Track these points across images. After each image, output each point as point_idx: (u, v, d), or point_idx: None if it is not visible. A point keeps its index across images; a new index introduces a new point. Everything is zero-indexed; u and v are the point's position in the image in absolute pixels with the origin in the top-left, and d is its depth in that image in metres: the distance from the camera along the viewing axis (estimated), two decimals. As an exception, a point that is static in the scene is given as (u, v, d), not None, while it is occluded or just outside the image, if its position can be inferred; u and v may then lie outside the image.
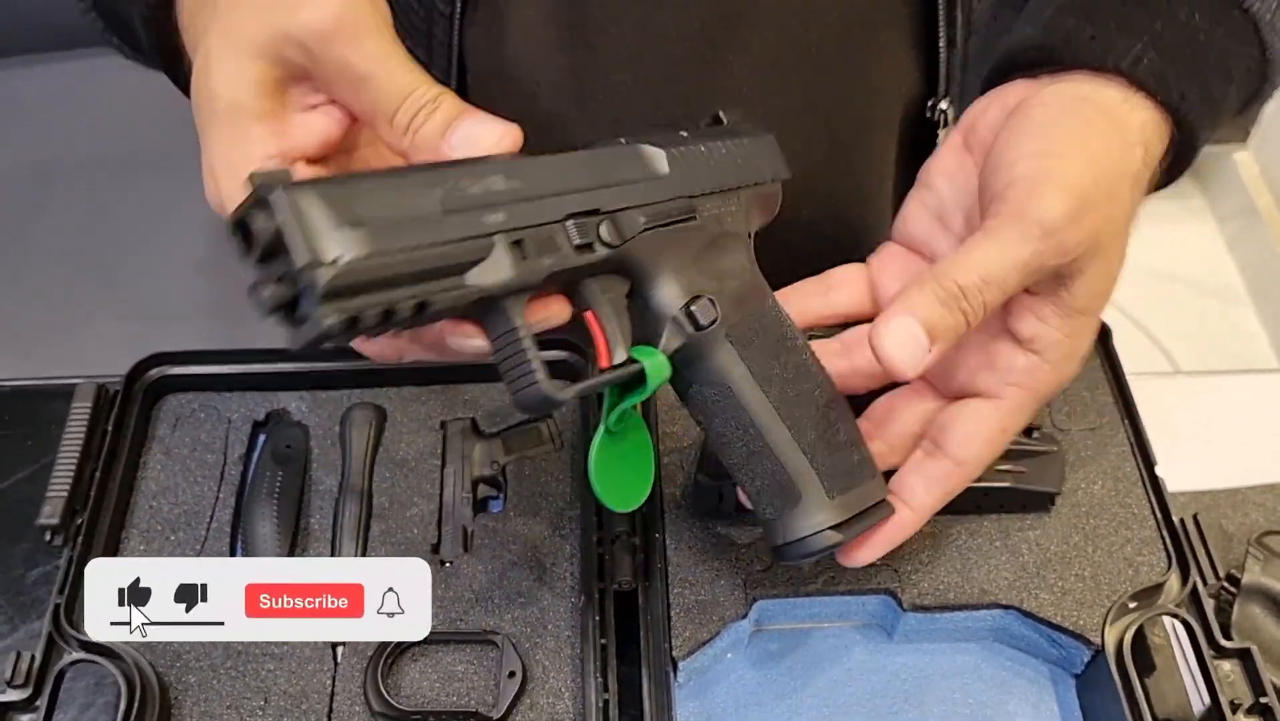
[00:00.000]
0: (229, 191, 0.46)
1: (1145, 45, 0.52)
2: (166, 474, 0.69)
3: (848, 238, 0.78)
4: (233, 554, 0.66)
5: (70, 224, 1.21)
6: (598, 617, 0.61)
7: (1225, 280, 2.15)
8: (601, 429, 0.50)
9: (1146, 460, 0.65)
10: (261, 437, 0.71)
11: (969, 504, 0.62)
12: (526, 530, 0.66)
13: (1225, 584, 0.70)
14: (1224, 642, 0.59)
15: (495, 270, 0.44)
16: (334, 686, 0.61)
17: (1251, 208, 2.10)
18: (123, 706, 0.57)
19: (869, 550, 0.53)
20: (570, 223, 0.46)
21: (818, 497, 0.51)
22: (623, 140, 0.51)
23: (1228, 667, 0.59)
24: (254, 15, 0.46)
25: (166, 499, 0.68)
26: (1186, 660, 0.61)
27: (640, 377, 0.49)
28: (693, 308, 0.50)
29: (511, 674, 0.60)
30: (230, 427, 0.71)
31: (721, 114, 0.56)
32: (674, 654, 0.59)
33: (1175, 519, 0.63)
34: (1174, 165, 0.55)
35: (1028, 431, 0.63)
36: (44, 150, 1.26)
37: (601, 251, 0.47)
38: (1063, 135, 0.50)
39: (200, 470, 0.69)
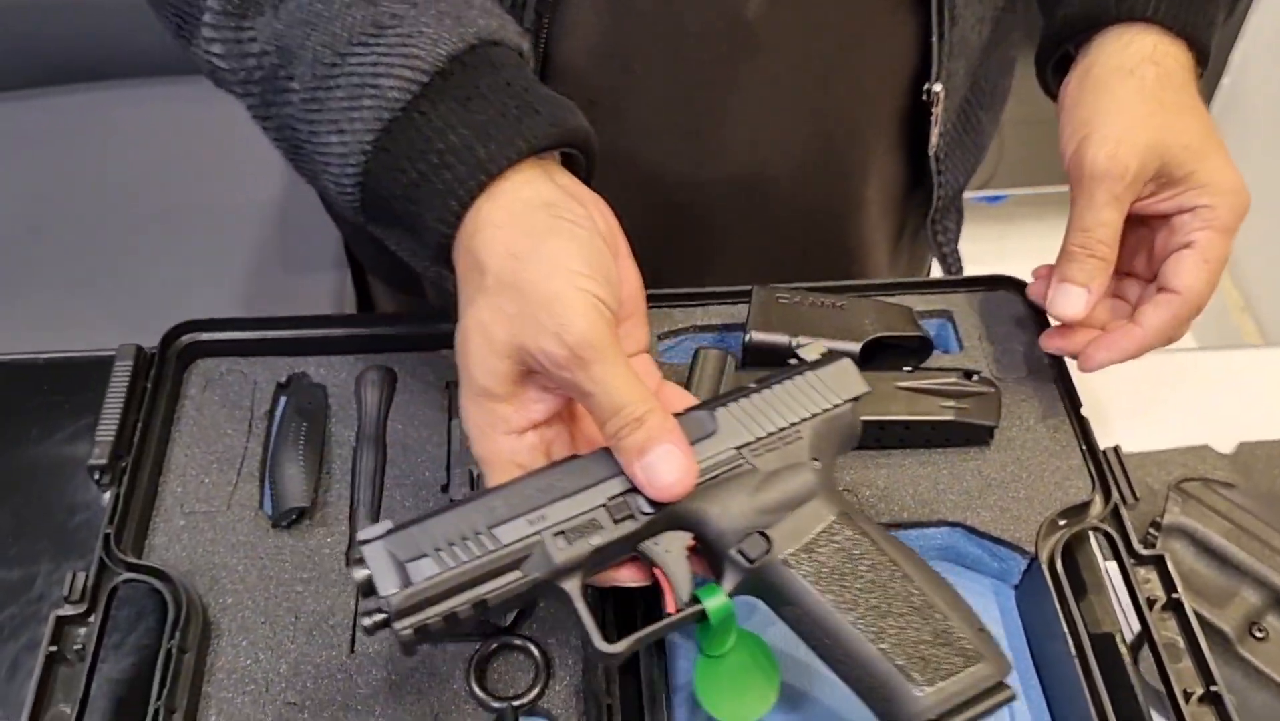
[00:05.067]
0: (480, 450, 0.58)
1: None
2: (199, 426, 0.76)
3: (831, 222, 0.90)
4: (261, 495, 0.73)
5: (101, 221, 1.31)
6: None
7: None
8: (700, 656, 0.58)
9: (1073, 402, 0.74)
10: (283, 399, 0.78)
11: (919, 437, 0.71)
12: (527, 471, 0.74)
13: (1150, 530, 0.79)
14: (1141, 551, 0.68)
15: (544, 561, 0.53)
16: (357, 605, 0.68)
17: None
18: (170, 617, 0.64)
19: (1106, 354, 0.71)
20: (609, 503, 0.55)
21: (905, 694, 0.53)
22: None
23: (1144, 574, 0.68)
24: (506, 323, 0.55)
25: (200, 447, 0.75)
26: (1112, 570, 0.69)
27: (703, 615, 0.55)
28: (742, 546, 0.55)
29: (517, 590, 0.68)
30: (255, 388, 0.78)
31: (799, 353, 0.62)
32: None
33: (1100, 450, 0.72)
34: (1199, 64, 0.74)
35: (968, 375, 0.72)
36: (84, 168, 1.36)
37: (643, 518, 0.55)
38: (1093, 101, 0.70)
39: (230, 424, 0.76)
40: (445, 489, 0.73)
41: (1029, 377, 0.75)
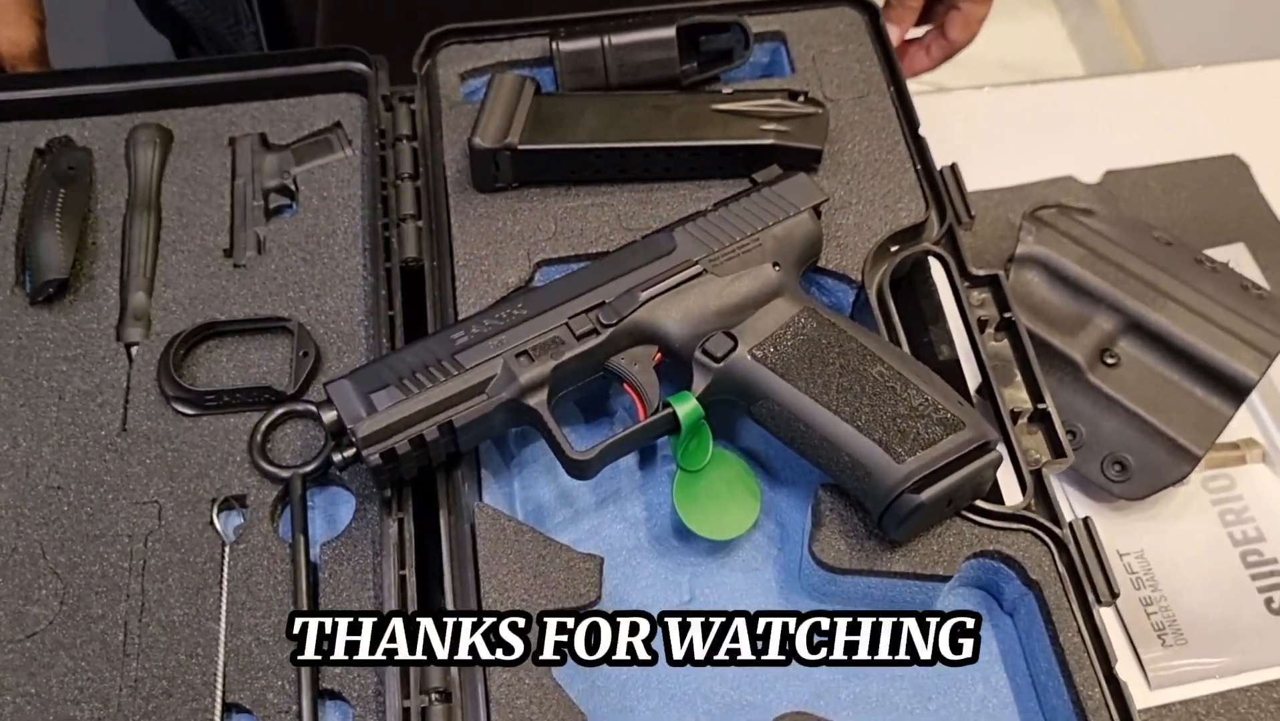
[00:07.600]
0: None
1: None
2: (-56, 201, 0.68)
3: None
4: (20, 272, 0.66)
5: None
6: (385, 292, 0.62)
7: (1066, 70, 2.21)
8: (678, 471, 0.57)
9: (910, 121, 0.68)
10: (42, 166, 0.70)
11: (739, 167, 0.65)
12: (319, 229, 0.67)
13: (1008, 262, 0.75)
14: (975, 272, 0.63)
15: (509, 381, 0.54)
16: (129, 381, 0.62)
17: (1089, -4, 2.15)
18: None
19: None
20: (569, 322, 0.55)
21: (886, 465, 0.53)
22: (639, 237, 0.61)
23: (978, 295, 0.64)
24: None
25: (-54, 224, 0.67)
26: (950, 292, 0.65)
27: (674, 421, 0.55)
28: (707, 345, 0.56)
29: (305, 354, 0.62)
30: (10, 156, 0.70)
31: (754, 176, 0.62)
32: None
33: (935, 169, 0.66)
34: None
35: (793, 95, 0.66)
36: None
37: (606, 332, 0.56)
38: None
39: (-20, 197, 0.68)
40: (229, 253, 0.66)
41: (864, 99, 0.69)
